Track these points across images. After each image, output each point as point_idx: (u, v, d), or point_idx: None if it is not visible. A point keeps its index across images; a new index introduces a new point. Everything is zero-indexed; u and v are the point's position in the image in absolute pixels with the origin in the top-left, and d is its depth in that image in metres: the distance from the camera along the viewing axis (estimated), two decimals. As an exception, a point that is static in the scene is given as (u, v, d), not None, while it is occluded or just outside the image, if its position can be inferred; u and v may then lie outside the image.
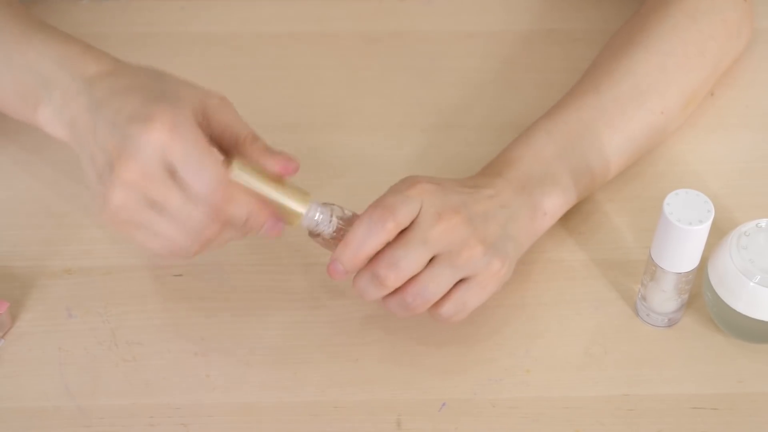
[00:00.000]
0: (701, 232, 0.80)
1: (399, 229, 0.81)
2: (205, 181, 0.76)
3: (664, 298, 0.85)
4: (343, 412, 0.83)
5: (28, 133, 0.95)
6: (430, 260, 0.81)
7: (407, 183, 0.83)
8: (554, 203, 0.87)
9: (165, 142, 0.76)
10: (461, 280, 0.82)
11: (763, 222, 0.84)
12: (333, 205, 0.82)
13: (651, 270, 0.84)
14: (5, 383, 0.84)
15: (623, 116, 0.90)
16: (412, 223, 0.81)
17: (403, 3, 1.06)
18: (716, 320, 0.87)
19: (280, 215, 0.81)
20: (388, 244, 0.81)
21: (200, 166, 0.76)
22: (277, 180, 0.80)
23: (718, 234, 0.87)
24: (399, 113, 0.99)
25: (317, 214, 0.81)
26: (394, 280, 0.81)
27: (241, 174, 0.79)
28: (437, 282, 0.81)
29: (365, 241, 0.80)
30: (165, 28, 1.04)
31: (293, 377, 0.85)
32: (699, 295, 0.88)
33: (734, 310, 0.84)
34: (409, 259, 0.80)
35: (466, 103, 1.00)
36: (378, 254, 0.81)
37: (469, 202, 0.83)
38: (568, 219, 0.92)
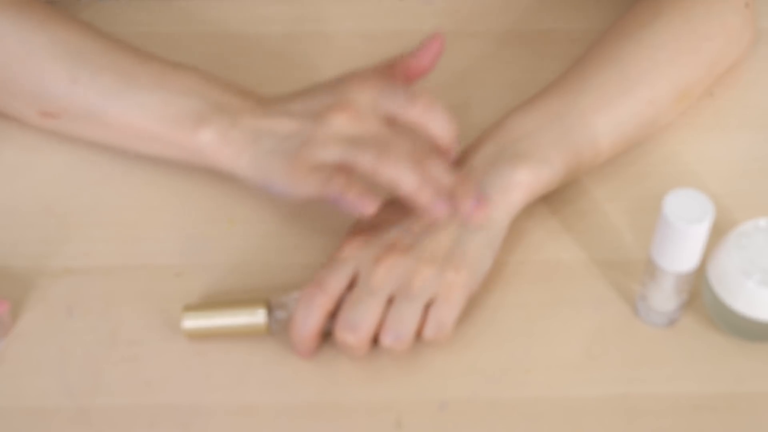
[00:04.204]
0: (701, 232, 0.80)
1: (333, 300, 0.83)
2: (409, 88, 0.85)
3: (664, 298, 0.85)
4: (343, 412, 0.84)
5: (28, 133, 0.95)
6: (392, 300, 0.83)
7: (339, 247, 0.86)
8: (528, 174, 0.87)
9: (371, 89, 0.85)
10: (430, 303, 0.83)
11: (762, 222, 0.84)
12: (289, 295, 0.86)
13: (651, 270, 0.84)
14: (5, 383, 0.84)
15: (609, 101, 0.90)
16: (357, 278, 0.84)
17: (403, 3, 1.06)
18: (716, 320, 0.87)
19: (248, 333, 0.85)
20: (343, 307, 0.83)
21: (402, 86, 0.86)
22: (229, 305, 0.85)
23: (717, 234, 0.87)
24: (399, 113, 0.99)
25: (279, 314, 0.85)
26: (356, 340, 0.83)
27: (191, 322, 0.85)
28: (403, 321, 0.82)
29: (306, 322, 0.83)
30: (165, 28, 1.04)
31: (293, 377, 0.85)
32: (699, 294, 0.88)
33: (734, 310, 0.84)
34: (361, 316, 0.82)
35: (466, 102, 1.00)
36: (338, 319, 0.83)
37: (409, 226, 0.85)
38: (567, 218, 0.93)
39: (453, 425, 0.83)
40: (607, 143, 0.90)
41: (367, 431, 0.83)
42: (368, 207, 0.81)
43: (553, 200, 0.93)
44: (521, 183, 0.87)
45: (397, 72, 0.88)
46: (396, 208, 0.86)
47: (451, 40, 1.04)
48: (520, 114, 0.90)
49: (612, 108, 0.90)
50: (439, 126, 0.84)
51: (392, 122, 0.85)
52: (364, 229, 0.86)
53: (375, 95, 0.85)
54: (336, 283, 0.83)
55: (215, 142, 0.87)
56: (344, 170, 0.83)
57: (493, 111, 0.95)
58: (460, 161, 0.89)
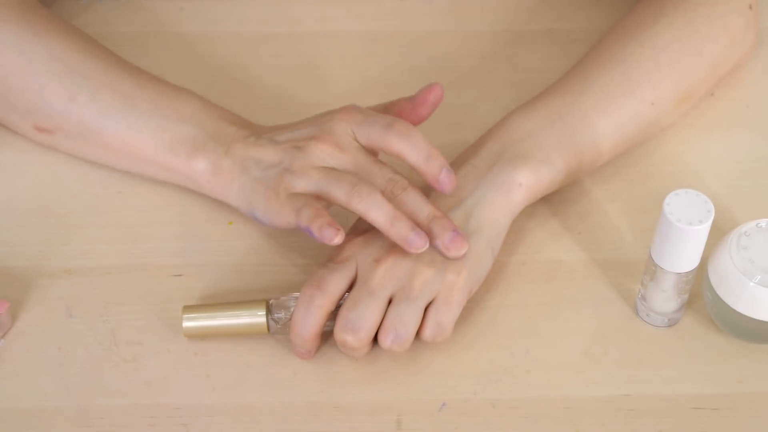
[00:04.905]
0: (701, 232, 0.80)
1: (333, 301, 0.83)
2: (387, 117, 0.85)
3: (664, 298, 0.85)
4: (343, 412, 0.83)
5: (28, 133, 0.95)
6: (392, 301, 0.83)
7: (339, 247, 0.85)
8: (529, 175, 0.87)
9: (350, 114, 0.85)
10: (429, 304, 0.83)
11: (763, 222, 0.84)
12: (288, 295, 0.86)
13: (651, 270, 0.84)
14: (5, 383, 0.84)
15: (611, 102, 0.90)
16: (357, 279, 0.84)
17: (403, 3, 1.06)
18: (716, 320, 0.87)
19: (248, 333, 0.85)
20: (343, 307, 0.83)
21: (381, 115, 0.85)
22: (229, 306, 0.85)
23: (718, 234, 0.87)
24: (399, 113, 0.99)
25: (279, 314, 0.85)
26: (356, 340, 0.83)
27: (191, 322, 0.85)
28: (403, 322, 0.82)
29: (305, 322, 0.83)
30: (165, 28, 1.04)
31: (293, 377, 0.85)
32: (699, 295, 0.88)
33: (734, 310, 0.84)
34: (362, 317, 0.82)
35: (467, 103, 1.00)
36: (338, 319, 0.83)
37: None
38: (568, 219, 0.92)
39: (453, 425, 0.83)
40: (609, 144, 0.90)
41: (367, 431, 0.83)
42: (331, 239, 0.81)
43: (553, 200, 0.93)
44: (522, 184, 0.86)
45: (390, 114, 0.88)
46: None
47: (451, 40, 1.04)
48: (522, 114, 0.90)
49: (614, 109, 0.90)
50: (416, 155, 0.84)
51: (374, 153, 0.86)
52: (365, 229, 0.86)
53: (355, 126, 0.85)
54: (336, 283, 0.83)
55: (208, 171, 0.88)
56: (319, 200, 0.83)
57: (493, 111, 0.96)
58: (461, 161, 0.88)
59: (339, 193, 0.82)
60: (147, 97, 0.89)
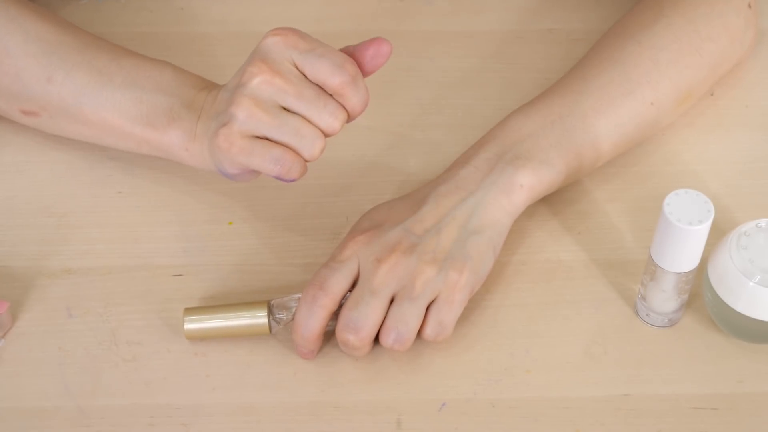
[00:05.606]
0: (701, 232, 0.80)
1: (335, 300, 0.83)
2: (337, 54, 0.81)
3: (664, 298, 0.85)
4: (343, 412, 0.83)
5: (28, 133, 0.95)
6: (393, 300, 0.83)
7: (340, 247, 0.85)
8: (530, 176, 0.87)
9: (288, 37, 0.81)
10: (431, 303, 0.83)
11: (763, 222, 0.84)
12: (290, 295, 0.86)
13: (651, 270, 0.84)
14: (5, 383, 0.84)
15: (610, 103, 0.90)
16: (359, 278, 0.84)
17: (403, 3, 1.06)
18: (716, 320, 0.87)
19: (250, 334, 0.85)
20: (345, 306, 0.83)
21: (327, 46, 0.81)
22: (230, 307, 0.85)
23: (718, 234, 0.87)
24: (399, 113, 0.99)
25: (280, 315, 0.85)
26: (357, 340, 0.83)
27: (192, 324, 0.85)
28: (405, 321, 0.82)
29: (308, 323, 0.83)
30: (165, 28, 1.04)
31: (293, 377, 0.85)
32: (699, 295, 0.88)
33: (734, 310, 0.84)
34: (364, 316, 0.82)
35: (467, 103, 1.00)
36: (339, 319, 0.83)
37: (410, 227, 0.85)
38: (568, 219, 0.92)
39: (453, 425, 0.83)
40: (609, 145, 0.90)
41: (367, 431, 0.83)
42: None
43: (554, 201, 0.93)
44: (523, 185, 0.86)
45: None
46: (397, 208, 0.86)
47: (451, 40, 1.04)
48: (522, 115, 0.90)
49: (614, 109, 0.90)
50: (356, 108, 0.83)
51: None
52: (366, 229, 0.86)
53: (297, 54, 0.81)
54: (337, 283, 0.83)
55: (185, 140, 0.87)
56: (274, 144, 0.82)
57: (493, 111, 0.95)
58: (462, 162, 0.88)
59: (299, 148, 0.81)
60: (122, 72, 0.89)
